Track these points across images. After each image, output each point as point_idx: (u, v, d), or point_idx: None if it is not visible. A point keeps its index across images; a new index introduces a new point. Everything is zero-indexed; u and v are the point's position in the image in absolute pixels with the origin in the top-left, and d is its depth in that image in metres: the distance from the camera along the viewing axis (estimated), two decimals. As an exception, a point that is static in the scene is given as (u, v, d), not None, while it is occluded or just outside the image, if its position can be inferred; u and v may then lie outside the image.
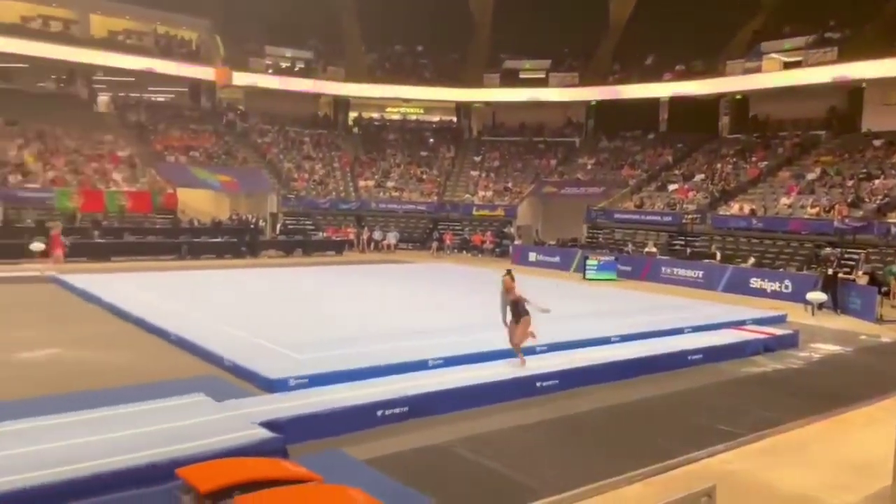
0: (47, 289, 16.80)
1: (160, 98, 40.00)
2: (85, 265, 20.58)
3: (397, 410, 7.71)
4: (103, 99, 36.68)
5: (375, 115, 43.52)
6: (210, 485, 4.77)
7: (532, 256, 27.69)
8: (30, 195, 25.49)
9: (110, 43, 34.87)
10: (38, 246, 20.96)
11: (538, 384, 9.05)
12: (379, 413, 7.58)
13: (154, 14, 36.35)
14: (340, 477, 5.56)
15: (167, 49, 36.65)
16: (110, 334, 11.67)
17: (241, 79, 37.10)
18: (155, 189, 28.43)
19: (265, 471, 5.10)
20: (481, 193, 35.57)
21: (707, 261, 23.59)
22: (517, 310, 9.44)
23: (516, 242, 30.76)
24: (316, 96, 40.70)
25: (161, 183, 29.13)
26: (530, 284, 20.63)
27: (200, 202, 30.51)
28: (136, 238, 25.21)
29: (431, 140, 41.37)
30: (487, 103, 40.94)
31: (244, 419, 6.76)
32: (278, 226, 30.97)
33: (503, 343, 10.63)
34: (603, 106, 38.17)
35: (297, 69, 39.53)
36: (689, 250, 25.92)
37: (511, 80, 39.24)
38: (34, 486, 5.11)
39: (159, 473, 5.53)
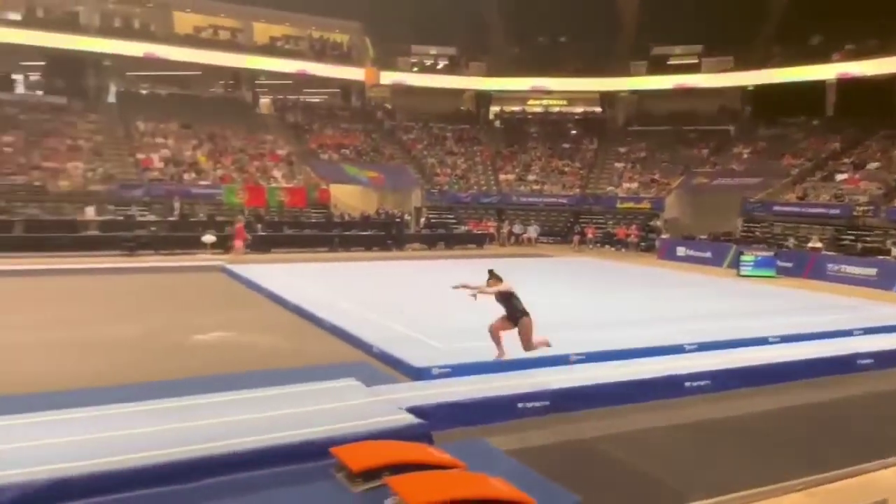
0: (217, 277, 18.35)
1: (315, 99, 42.39)
2: (249, 256, 22.23)
3: (538, 404, 7.68)
4: (265, 101, 39.51)
5: (517, 108, 43.48)
6: (362, 464, 5.02)
7: (680, 251, 26.50)
8: (202, 191, 27.99)
9: (270, 49, 37.42)
10: (209, 238, 22.95)
11: (687, 384, 8.66)
12: (519, 405, 7.59)
13: (309, 19, 38.57)
14: (483, 465, 5.64)
15: (321, 52, 38.74)
16: (271, 320, 12.54)
17: (388, 78, 38.58)
18: (310, 185, 30.24)
19: (412, 454, 5.29)
20: (626, 185, 34.52)
21: (881, 257, 21.45)
22: (512, 308, 8.48)
23: (663, 236, 29.58)
24: (459, 92, 41.38)
25: (315, 179, 30.94)
26: (678, 281, 19.85)
27: (350, 197, 31.99)
28: (293, 231, 26.89)
29: (574, 132, 40.70)
30: (633, 92, 39.67)
31: (391, 404, 7.03)
32: (422, 220, 31.83)
33: (649, 340, 10.33)
34: (761, 91, 35.75)
35: (440, 66, 40.39)
36: (860, 246, 23.68)
37: (659, 67, 37.74)
38: (200, 457, 5.58)
39: (315, 451, 5.85)
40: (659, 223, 31.55)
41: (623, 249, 29.87)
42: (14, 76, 35.32)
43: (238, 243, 21.46)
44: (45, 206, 24.89)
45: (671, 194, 32.46)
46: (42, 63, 34.64)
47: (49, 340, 10.30)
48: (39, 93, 34.44)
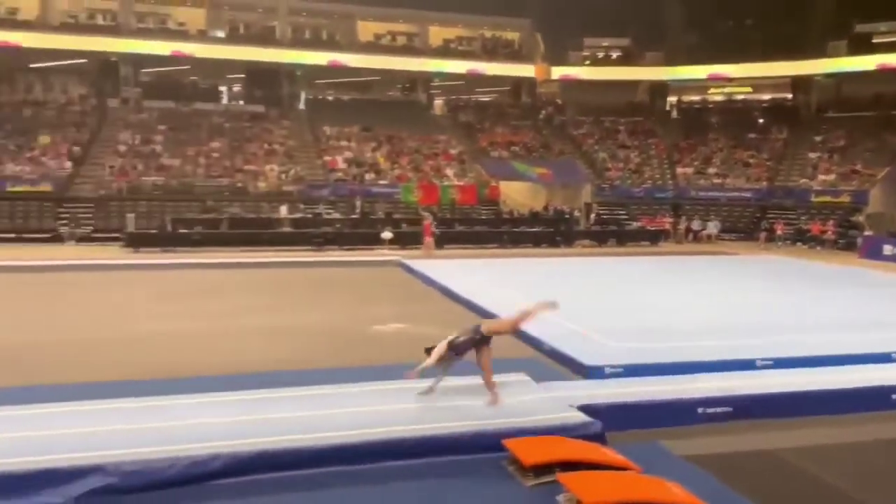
0: (394, 272, 19.26)
1: (485, 98, 43.05)
2: (418, 251, 23.06)
3: (720, 410, 7.28)
4: (438, 102, 40.80)
5: (696, 97, 41.27)
6: (534, 458, 5.05)
7: (887, 249, 23.69)
8: (381, 191, 29.63)
9: (444, 51, 38.56)
10: (387, 234, 24.14)
11: (895, 397, 7.77)
12: (699, 410, 7.24)
13: (482, 20, 39.28)
14: (658, 469, 5.45)
15: (492, 51, 39.26)
16: (443, 313, 12.93)
17: (559, 73, 38.33)
18: (480, 183, 30.83)
19: (585, 453, 5.23)
20: (821, 177, 31.49)
21: None
22: (465, 346, 7.00)
23: (866, 233, 26.62)
24: (633, 84, 40.08)
25: (486, 177, 31.47)
26: (885, 281, 17.80)
27: (519, 194, 32.15)
28: (463, 228, 27.51)
29: (761, 120, 37.84)
30: (831, 75, 36.03)
31: (562, 401, 6.99)
32: (592, 216, 31.21)
33: (850, 346, 9.42)
34: None
35: (614, 58, 39.41)
36: None
37: (862, 46, 33.95)
38: (380, 440, 5.91)
39: (486, 443, 5.99)
40: (861, 218, 28.44)
41: (818, 247, 27.28)
42: (220, 88, 39.51)
43: (428, 240, 22.40)
44: (246, 206, 27.59)
45: (876, 186, 29.15)
46: (243, 75, 38.33)
47: (248, 326, 11.41)
48: (241, 102, 38.14)
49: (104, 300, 13.93)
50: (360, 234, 25.29)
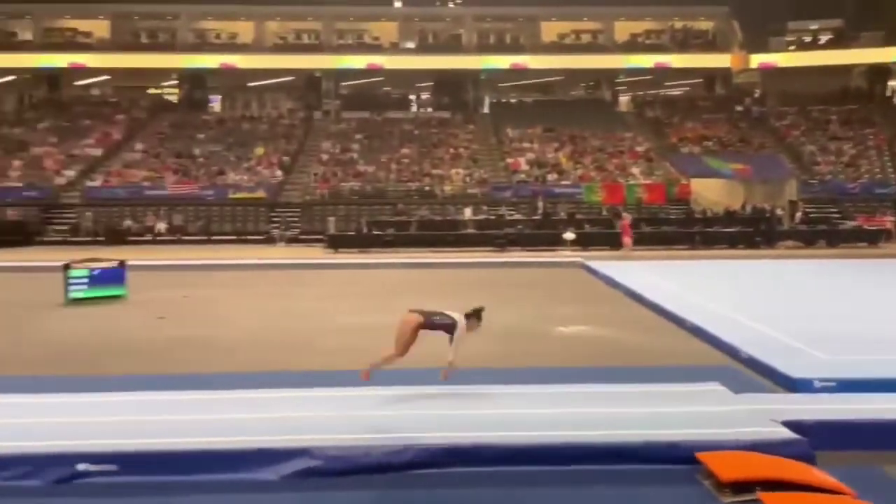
0: (577, 273, 19.02)
1: (675, 92, 41.15)
2: (601, 252, 22.54)
3: (956, 435, 6.34)
4: (624, 99, 39.71)
5: (925, 79, 36.37)
6: (732, 474, 4.74)
7: None
8: (562, 191, 29.49)
9: (630, 46, 37.44)
10: (569, 235, 23.91)
11: None
12: (932, 434, 6.36)
13: (672, 11, 37.67)
14: (877, 497, 4.91)
15: (683, 43, 37.49)
16: (629, 317, 12.55)
17: (758, 61, 35.69)
18: (669, 181, 29.51)
19: (790, 472, 4.83)
20: None
21: None
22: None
23: None
24: (846, 69, 36.28)
25: (675, 174, 30.07)
26: None
27: (713, 192, 30.35)
28: (651, 228, 26.47)
29: None
30: None
31: (763, 415, 6.48)
32: (798, 214, 28.63)
33: None
34: None
35: (822, 41, 35.86)
36: None
37: None
38: (569, 443, 5.83)
39: (678, 454, 5.69)
40: None
41: None
42: (410, 97, 41.54)
43: (627, 240, 21.95)
44: (433, 208, 28.76)
45: None
46: (431, 83, 39.95)
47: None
48: (429, 109, 39.81)
49: (310, 295, 15.19)
50: (542, 235, 25.32)
